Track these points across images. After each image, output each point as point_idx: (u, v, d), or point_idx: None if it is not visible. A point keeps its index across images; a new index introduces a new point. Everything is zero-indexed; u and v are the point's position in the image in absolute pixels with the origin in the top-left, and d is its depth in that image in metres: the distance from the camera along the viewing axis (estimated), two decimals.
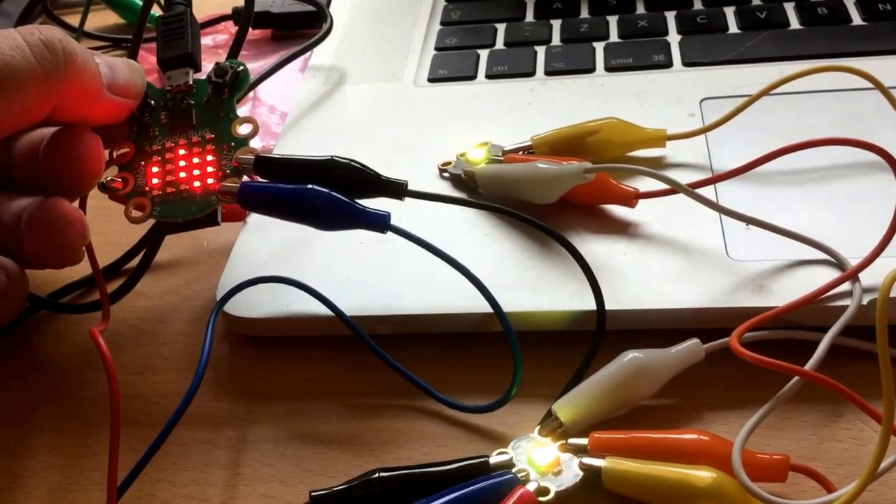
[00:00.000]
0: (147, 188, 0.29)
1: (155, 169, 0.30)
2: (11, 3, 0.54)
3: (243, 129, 0.30)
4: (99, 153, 0.29)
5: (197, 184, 0.29)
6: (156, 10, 0.40)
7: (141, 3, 0.35)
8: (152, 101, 0.31)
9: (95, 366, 0.30)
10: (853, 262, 0.27)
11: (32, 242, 0.28)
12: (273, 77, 0.42)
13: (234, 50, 0.34)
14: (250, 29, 0.49)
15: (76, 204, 0.30)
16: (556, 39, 0.41)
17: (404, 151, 0.36)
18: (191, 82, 0.31)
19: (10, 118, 0.26)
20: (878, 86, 0.31)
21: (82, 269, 0.30)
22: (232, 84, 0.31)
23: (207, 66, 0.32)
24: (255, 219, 0.34)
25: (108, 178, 0.30)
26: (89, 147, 0.28)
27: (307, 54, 0.43)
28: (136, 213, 0.29)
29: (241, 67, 0.31)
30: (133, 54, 0.33)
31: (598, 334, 0.27)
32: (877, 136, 0.28)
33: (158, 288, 0.34)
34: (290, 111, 0.40)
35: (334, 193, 0.27)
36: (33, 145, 0.30)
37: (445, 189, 0.34)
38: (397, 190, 0.28)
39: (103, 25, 0.53)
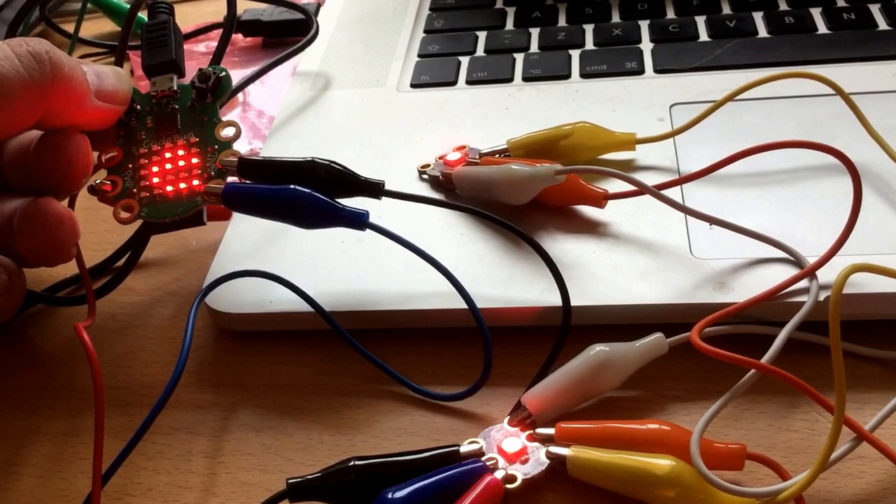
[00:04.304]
0: (136, 190, 0.31)
1: (145, 172, 0.31)
2: (10, 11, 0.54)
3: (226, 133, 0.31)
4: (87, 152, 0.30)
5: (183, 185, 0.30)
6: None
7: None
8: (138, 106, 0.32)
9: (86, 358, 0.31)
10: (811, 260, 0.28)
11: (25, 241, 0.29)
12: (264, 83, 0.43)
13: (218, 55, 0.35)
14: (242, 37, 0.50)
15: (66, 203, 0.31)
16: (534, 47, 0.42)
17: (386, 154, 0.37)
18: (175, 87, 0.32)
19: (1, 125, 0.27)
20: (839, 92, 0.32)
21: (75, 266, 0.31)
22: (214, 89, 0.32)
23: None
24: (241, 214, 0.34)
25: (98, 182, 0.31)
26: (78, 146, 0.29)
27: (296, 62, 0.44)
28: (124, 215, 0.30)
29: (224, 73, 0.32)
30: (119, 61, 0.34)
31: (564, 329, 0.28)
32: (837, 140, 0.29)
33: (147, 284, 0.35)
34: (277, 115, 0.40)
35: (315, 193, 0.28)
36: (23, 147, 0.30)
37: (424, 190, 0.34)
38: (375, 189, 0.30)
39: (100, 33, 0.54)
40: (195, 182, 0.30)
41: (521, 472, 0.25)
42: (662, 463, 0.24)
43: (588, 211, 0.32)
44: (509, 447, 0.26)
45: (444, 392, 0.28)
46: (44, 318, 0.34)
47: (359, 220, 0.29)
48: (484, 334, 0.28)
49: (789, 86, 0.33)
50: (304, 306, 0.30)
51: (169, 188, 0.30)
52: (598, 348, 0.27)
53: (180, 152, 0.31)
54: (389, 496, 0.24)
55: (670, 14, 0.43)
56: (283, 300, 0.30)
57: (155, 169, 0.31)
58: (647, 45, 0.41)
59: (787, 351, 0.26)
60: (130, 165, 0.31)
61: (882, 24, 0.39)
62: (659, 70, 0.39)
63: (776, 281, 0.27)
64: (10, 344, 0.33)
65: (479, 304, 0.28)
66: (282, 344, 0.31)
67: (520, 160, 0.33)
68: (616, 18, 0.43)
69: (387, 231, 0.28)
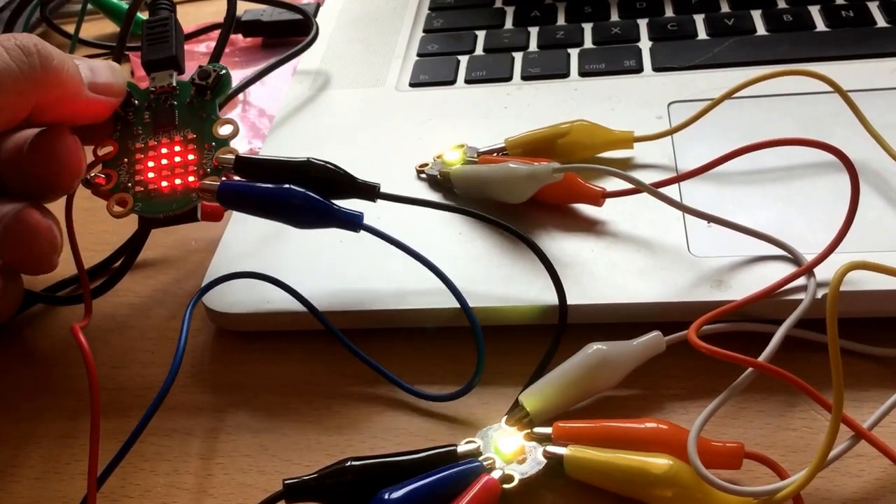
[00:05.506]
0: (130, 184, 0.30)
1: (140, 167, 0.31)
2: (10, 12, 0.55)
3: (224, 130, 0.31)
4: (78, 153, 0.30)
5: (178, 181, 0.30)
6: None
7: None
8: (136, 101, 0.32)
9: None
10: (809, 257, 0.28)
11: (8, 253, 0.30)
12: (265, 82, 0.43)
13: (217, 53, 0.35)
14: (242, 37, 0.50)
15: (65, 203, 0.31)
16: (533, 46, 0.42)
17: (385, 153, 0.36)
18: (174, 84, 0.32)
19: None
20: (837, 89, 0.32)
21: (74, 266, 0.31)
22: (214, 86, 0.32)
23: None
24: (240, 214, 0.34)
25: (92, 175, 0.31)
26: (69, 147, 0.29)
27: (296, 61, 0.44)
28: (117, 209, 0.30)
29: (224, 71, 0.32)
30: (118, 59, 0.34)
31: (560, 327, 0.28)
32: (835, 137, 0.29)
33: (146, 285, 0.35)
34: (277, 115, 0.41)
35: (310, 193, 0.28)
36: (17, 147, 0.30)
37: (422, 189, 0.34)
38: (370, 191, 0.30)
39: (101, 34, 0.55)
40: (191, 178, 0.30)
41: (518, 472, 0.25)
42: (660, 462, 0.24)
43: (586, 209, 0.32)
44: (506, 447, 0.26)
45: (437, 392, 0.28)
46: (43, 317, 0.34)
47: (353, 222, 0.29)
48: (476, 333, 0.28)
49: (787, 83, 0.33)
50: (301, 306, 0.30)
51: (164, 183, 0.30)
52: (596, 347, 0.27)
53: (177, 148, 0.31)
54: (386, 496, 0.24)
55: (669, 12, 0.43)
56: (280, 300, 0.30)
57: (150, 164, 0.31)
58: (645, 44, 0.41)
59: (784, 349, 0.26)
60: (126, 160, 0.31)
61: (881, 22, 0.39)
62: (657, 68, 0.39)
63: (774, 279, 0.27)
64: (9, 344, 0.33)
65: (477, 303, 0.28)
66: (279, 343, 0.31)
67: (518, 159, 0.33)
68: (615, 17, 0.43)
69: (382, 233, 0.29)
